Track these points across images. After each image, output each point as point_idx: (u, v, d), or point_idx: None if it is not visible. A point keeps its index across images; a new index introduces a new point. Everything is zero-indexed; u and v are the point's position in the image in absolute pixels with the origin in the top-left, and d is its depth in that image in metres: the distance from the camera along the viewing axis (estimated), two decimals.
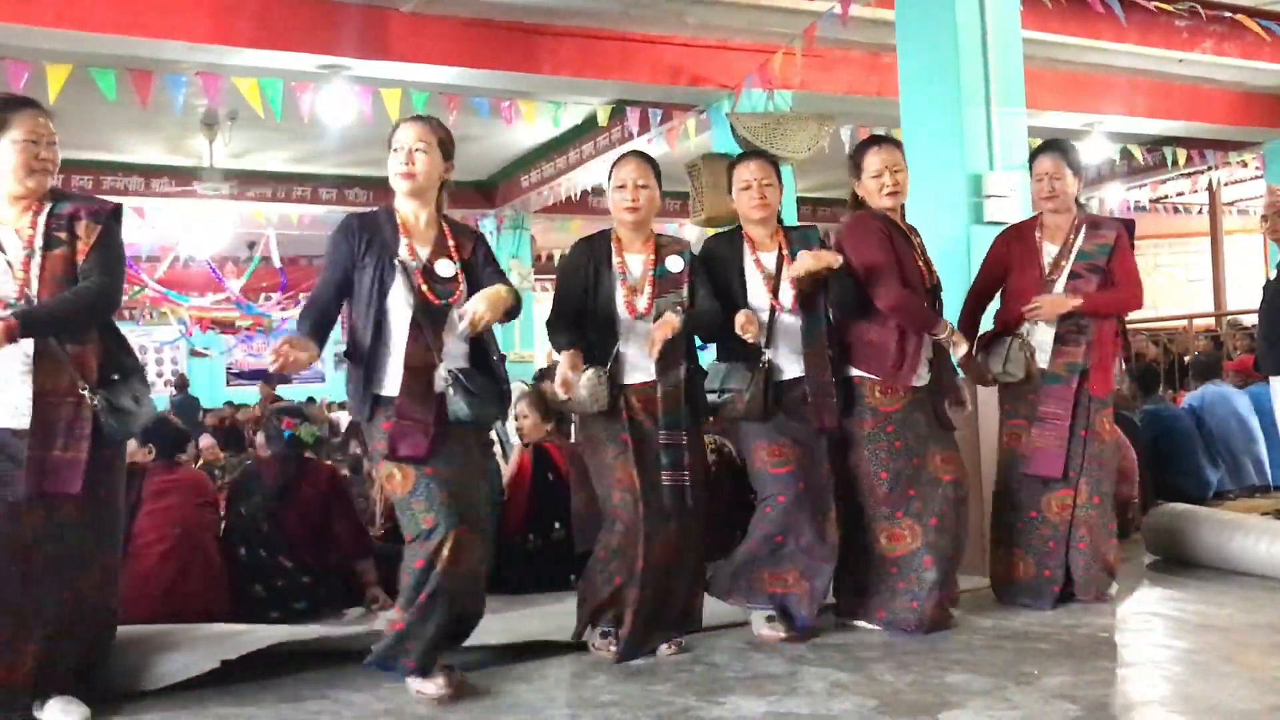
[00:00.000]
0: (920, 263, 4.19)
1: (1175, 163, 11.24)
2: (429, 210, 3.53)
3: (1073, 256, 4.39)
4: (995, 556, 4.48)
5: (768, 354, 3.96)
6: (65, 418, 3.07)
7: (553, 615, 4.34)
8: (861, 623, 4.09)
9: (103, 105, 7.25)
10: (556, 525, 5.41)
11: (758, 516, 4.02)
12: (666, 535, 3.75)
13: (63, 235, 3.15)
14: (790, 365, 4.02)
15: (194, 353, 20.14)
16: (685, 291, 3.88)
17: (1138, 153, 10.98)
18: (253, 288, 15.40)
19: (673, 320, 3.73)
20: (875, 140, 4.30)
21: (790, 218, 8.57)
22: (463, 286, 3.47)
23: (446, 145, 3.54)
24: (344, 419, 17.70)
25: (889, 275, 4.04)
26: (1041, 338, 4.38)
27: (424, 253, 3.47)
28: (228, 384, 21.02)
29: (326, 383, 22.61)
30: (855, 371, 4.11)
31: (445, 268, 3.46)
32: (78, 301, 3.11)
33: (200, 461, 10.35)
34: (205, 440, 8.87)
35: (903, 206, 4.29)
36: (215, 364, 21.01)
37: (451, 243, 3.52)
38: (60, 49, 6.63)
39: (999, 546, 4.47)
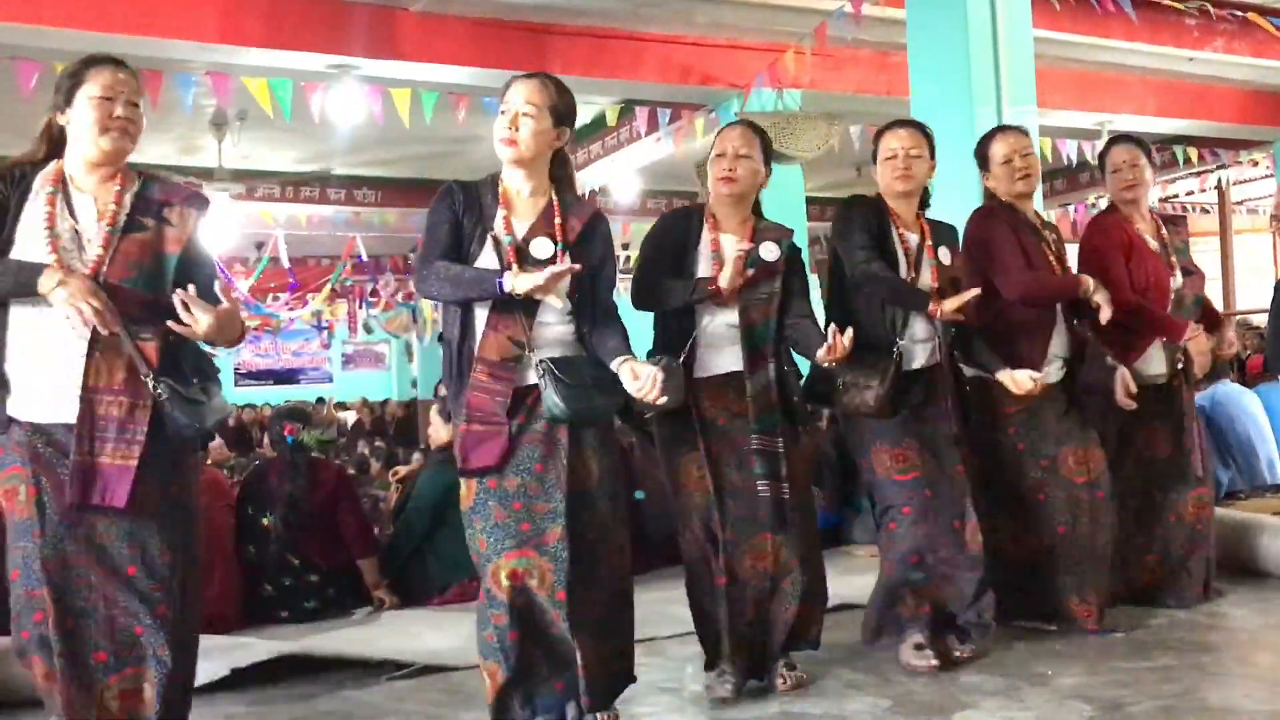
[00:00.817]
0: (1052, 258, 3.96)
1: (1187, 161, 11.20)
2: (537, 182, 3.06)
3: (1173, 250, 4.24)
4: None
5: (903, 342, 3.59)
6: (118, 417, 2.62)
7: None
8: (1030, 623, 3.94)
9: None
10: None
11: (884, 536, 3.67)
12: (758, 548, 3.36)
13: (149, 221, 2.73)
14: (918, 354, 3.66)
15: None
16: (778, 284, 3.45)
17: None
18: (261, 288, 15.41)
19: (740, 267, 3.36)
20: (1000, 128, 4.15)
21: (799, 218, 8.58)
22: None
23: (560, 109, 3.03)
24: (350, 419, 17.74)
25: (1011, 262, 3.83)
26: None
27: (521, 229, 3.01)
28: (236, 385, 21.08)
29: (334, 383, 22.70)
30: (970, 371, 3.87)
31: (542, 248, 2.99)
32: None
33: (209, 461, 10.39)
34: (213, 440, 8.88)
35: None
36: (223, 364, 21.01)
37: (558, 220, 3.03)
38: (70, 49, 6.61)
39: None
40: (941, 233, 3.78)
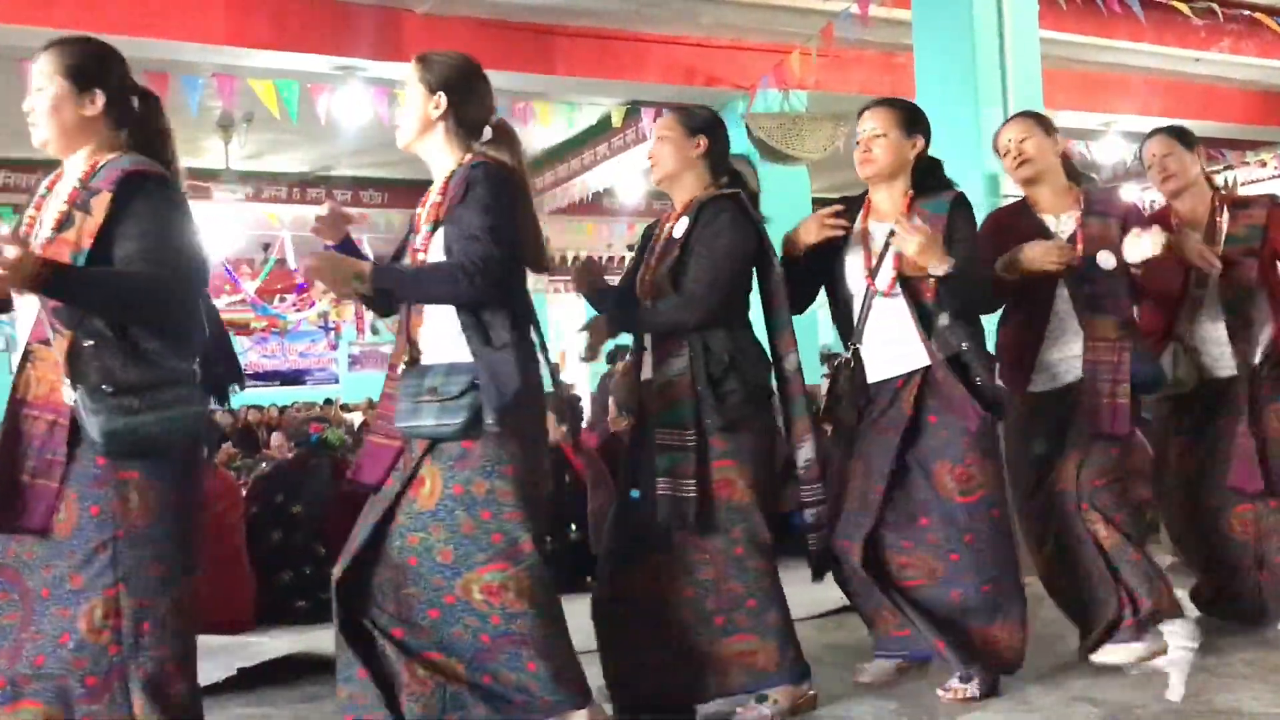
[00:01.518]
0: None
1: None
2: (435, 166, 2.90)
3: (1221, 241, 3.96)
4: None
5: (861, 346, 3.40)
6: (39, 434, 2.43)
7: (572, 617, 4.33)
8: None
9: None
10: (572, 527, 5.44)
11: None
12: (651, 567, 3.15)
13: (78, 215, 2.45)
14: (879, 360, 3.41)
15: None
16: (671, 265, 3.18)
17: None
18: (268, 289, 15.45)
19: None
20: (1008, 119, 3.91)
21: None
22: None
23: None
24: (356, 420, 17.84)
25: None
26: (1206, 335, 4.00)
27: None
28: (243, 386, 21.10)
29: (340, 384, 22.71)
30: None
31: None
32: (130, 284, 2.43)
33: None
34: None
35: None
36: None
37: (435, 199, 2.83)
38: None
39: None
40: (927, 212, 3.39)
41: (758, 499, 3.11)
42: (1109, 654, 3.50)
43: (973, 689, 3.21)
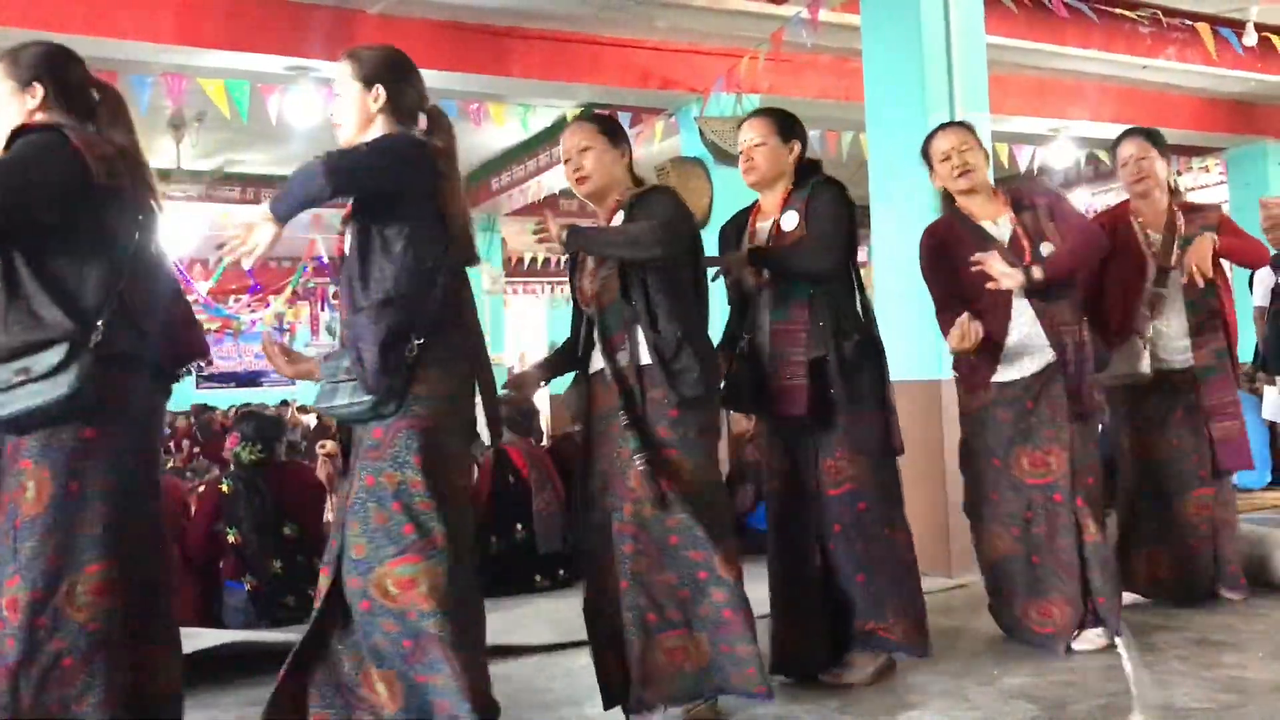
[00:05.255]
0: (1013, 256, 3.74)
1: None
2: None
3: (1176, 244, 4.20)
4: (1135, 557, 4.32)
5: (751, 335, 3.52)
6: None
7: (524, 619, 4.35)
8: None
9: None
10: (519, 527, 5.43)
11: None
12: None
13: None
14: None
15: None
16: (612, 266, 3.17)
17: (1104, 157, 11.07)
18: (221, 290, 15.31)
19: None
20: (942, 125, 3.99)
21: None
22: None
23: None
24: (313, 421, 17.70)
25: (937, 297, 3.87)
26: (1166, 329, 4.24)
27: None
28: (197, 386, 20.89)
29: (297, 386, 22.54)
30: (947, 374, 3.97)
31: None
32: None
33: (170, 465, 10.31)
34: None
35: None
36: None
37: None
38: None
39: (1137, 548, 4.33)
40: (796, 200, 3.53)
41: (705, 488, 3.07)
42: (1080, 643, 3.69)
43: (854, 675, 3.41)
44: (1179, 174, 11.96)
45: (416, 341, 2.65)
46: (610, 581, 3.10)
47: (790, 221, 3.51)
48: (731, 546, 3.04)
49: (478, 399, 2.81)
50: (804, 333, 3.40)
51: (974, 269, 3.68)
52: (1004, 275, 3.63)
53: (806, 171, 3.58)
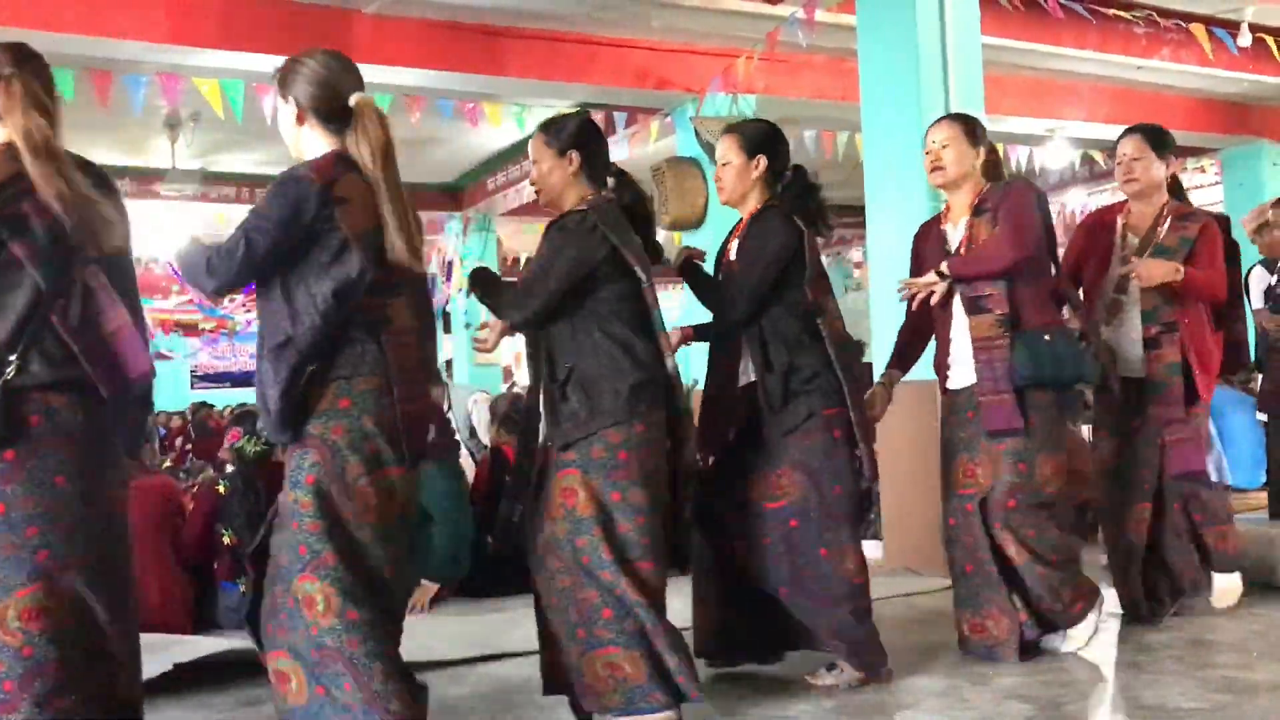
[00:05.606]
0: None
1: None
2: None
3: (1150, 250, 4.06)
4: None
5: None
6: None
7: (520, 619, 4.33)
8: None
9: (61, 106, 7.17)
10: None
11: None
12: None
13: None
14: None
15: (158, 355, 20.00)
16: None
17: (1099, 158, 11.08)
18: None
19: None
20: (939, 118, 3.97)
21: None
22: None
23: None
24: None
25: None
26: (1124, 337, 4.10)
27: None
28: (192, 387, 20.88)
29: None
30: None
31: None
32: None
33: (165, 465, 10.31)
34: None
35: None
36: (179, 367, 20.86)
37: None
38: None
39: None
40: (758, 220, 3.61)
41: (606, 508, 3.04)
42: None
43: (835, 678, 3.41)
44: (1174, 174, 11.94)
45: (309, 369, 2.64)
46: (546, 592, 3.13)
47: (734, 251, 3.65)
48: (643, 570, 3.02)
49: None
50: (738, 362, 3.55)
51: (898, 291, 3.82)
52: (925, 286, 3.73)
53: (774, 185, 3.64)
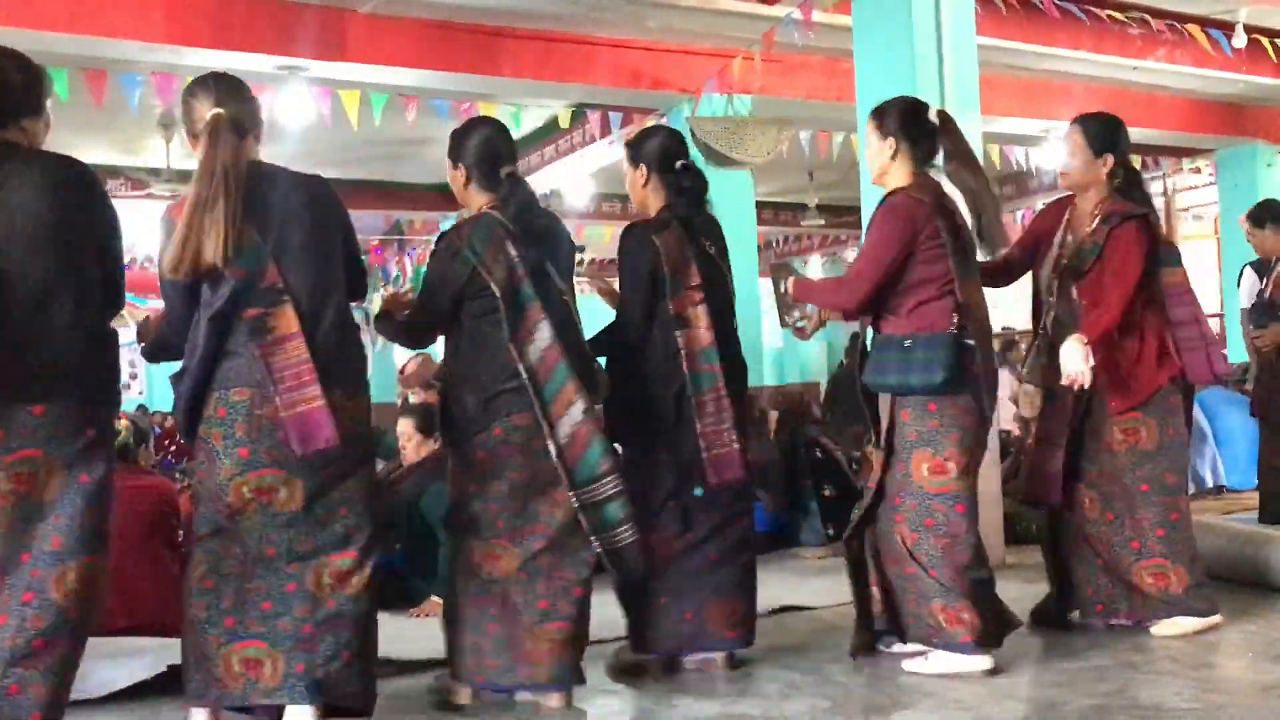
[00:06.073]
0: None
1: None
2: None
3: (1069, 252, 3.88)
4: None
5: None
6: None
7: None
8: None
9: (56, 105, 7.16)
10: None
11: None
12: None
13: None
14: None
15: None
16: None
17: None
18: None
19: None
20: None
21: (749, 223, 8.61)
22: None
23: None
24: None
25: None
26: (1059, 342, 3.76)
27: None
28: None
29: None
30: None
31: None
32: None
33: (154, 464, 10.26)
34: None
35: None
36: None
37: None
38: (14, 48, 6.53)
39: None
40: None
41: (482, 510, 3.25)
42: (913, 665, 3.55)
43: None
44: (1168, 175, 11.98)
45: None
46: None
47: None
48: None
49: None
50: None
51: None
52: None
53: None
